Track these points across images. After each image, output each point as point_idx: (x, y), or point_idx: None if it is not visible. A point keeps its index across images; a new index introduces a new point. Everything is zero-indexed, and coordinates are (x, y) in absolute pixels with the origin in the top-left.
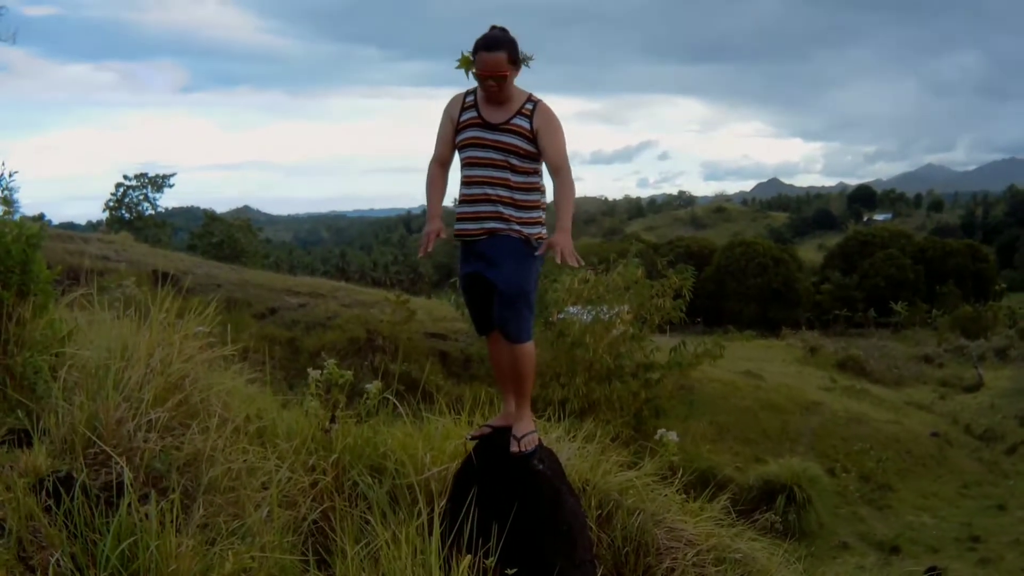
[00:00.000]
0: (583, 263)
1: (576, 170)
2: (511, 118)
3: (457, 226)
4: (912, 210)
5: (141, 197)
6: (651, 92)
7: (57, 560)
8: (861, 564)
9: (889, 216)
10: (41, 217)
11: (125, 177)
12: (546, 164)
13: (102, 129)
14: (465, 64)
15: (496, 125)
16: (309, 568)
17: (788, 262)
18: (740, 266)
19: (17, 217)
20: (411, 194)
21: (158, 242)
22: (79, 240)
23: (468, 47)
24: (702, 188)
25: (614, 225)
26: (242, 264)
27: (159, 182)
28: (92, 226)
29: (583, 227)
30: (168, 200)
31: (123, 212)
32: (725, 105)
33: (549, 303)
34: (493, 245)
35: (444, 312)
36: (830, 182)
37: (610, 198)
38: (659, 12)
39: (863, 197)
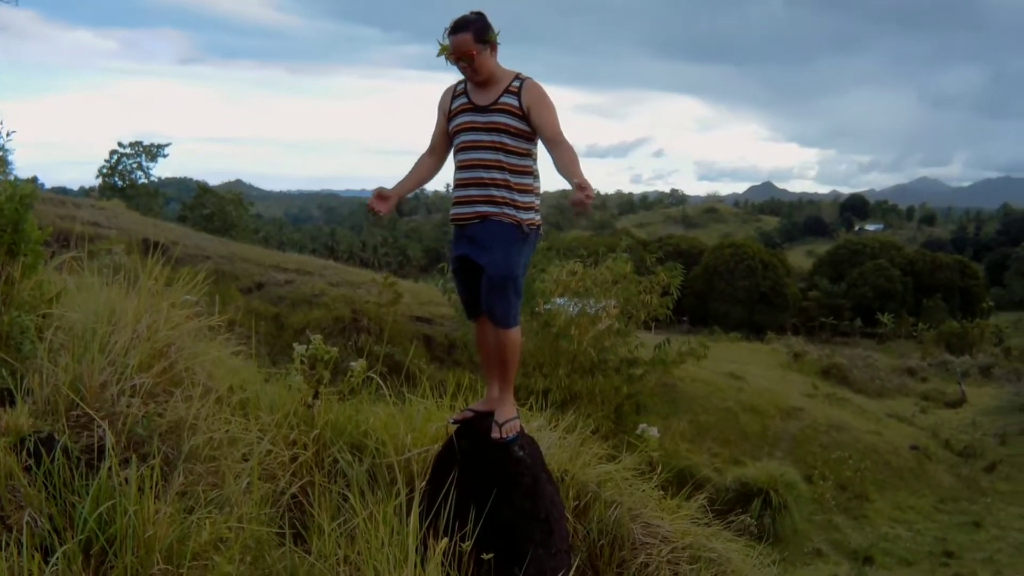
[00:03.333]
0: (592, 195)
1: None
2: (499, 97)
3: (451, 211)
4: (904, 222)
5: (135, 165)
6: (650, 88)
7: (34, 520)
8: (834, 572)
9: (880, 227)
10: (34, 180)
11: (120, 145)
12: (543, 139)
13: (101, 96)
14: (444, 52)
15: (486, 107)
16: (285, 542)
17: (777, 266)
18: (729, 267)
19: (10, 178)
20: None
21: (149, 211)
22: (71, 205)
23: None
24: (695, 188)
25: (605, 220)
26: (232, 238)
27: (153, 151)
28: (85, 192)
29: (573, 219)
30: (162, 170)
31: (116, 180)
32: (723, 106)
33: (536, 293)
34: (484, 229)
35: (431, 296)
36: (823, 189)
37: (602, 192)
38: (663, 8)
39: (855, 206)
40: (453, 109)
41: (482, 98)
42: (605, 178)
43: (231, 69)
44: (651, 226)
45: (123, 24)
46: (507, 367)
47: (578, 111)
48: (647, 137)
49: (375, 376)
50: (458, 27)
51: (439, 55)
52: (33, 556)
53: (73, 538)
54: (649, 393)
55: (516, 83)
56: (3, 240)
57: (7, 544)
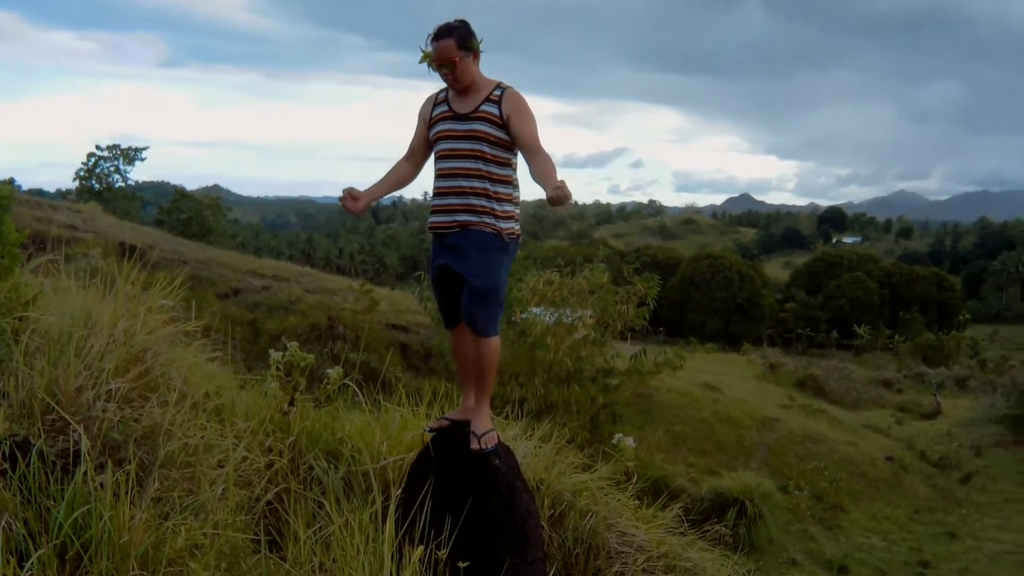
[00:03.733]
0: (571, 199)
1: None
2: (479, 105)
3: (430, 219)
4: (882, 235)
5: (112, 168)
6: (629, 99)
7: (9, 525)
8: None
9: (858, 239)
10: (11, 182)
11: (97, 147)
12: (521, 149)
13: (80, 98)
14: (427, 59)
15: (466, 115)
16: (260, 549)
17: (754, 278)
18: (706, 279)
19: None
20: None
21: (126, 215)
22: (48, 207)
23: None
24: (673, 199)
25: (582, 229)
26: (208, 243)
27: (131, 154)
28: (61, 194)
29: (551, 229)
30: (139, 173)
31: (93, 183)
32: (702, 117)
33: (513, 302)
34: (465, 238)
35: (407, 304)
36: (801, 201)
37: (580, 202)
38: (641, 20)
39: (833, 219)
40: (433, 117)
41: (462, 106)
42: (583, 188)
43: (210, 73)
44: (628, 237)
45: (104, 27)
46: (485, 377)
47: (556, 121)
48: (625, 148)
49: (351, 383)
50: (441, 33)
51: (421, 61)
52: (8, 561)
53: (48, 543)
54: (625, 403)
55: (497, 92)
56: None
57: None
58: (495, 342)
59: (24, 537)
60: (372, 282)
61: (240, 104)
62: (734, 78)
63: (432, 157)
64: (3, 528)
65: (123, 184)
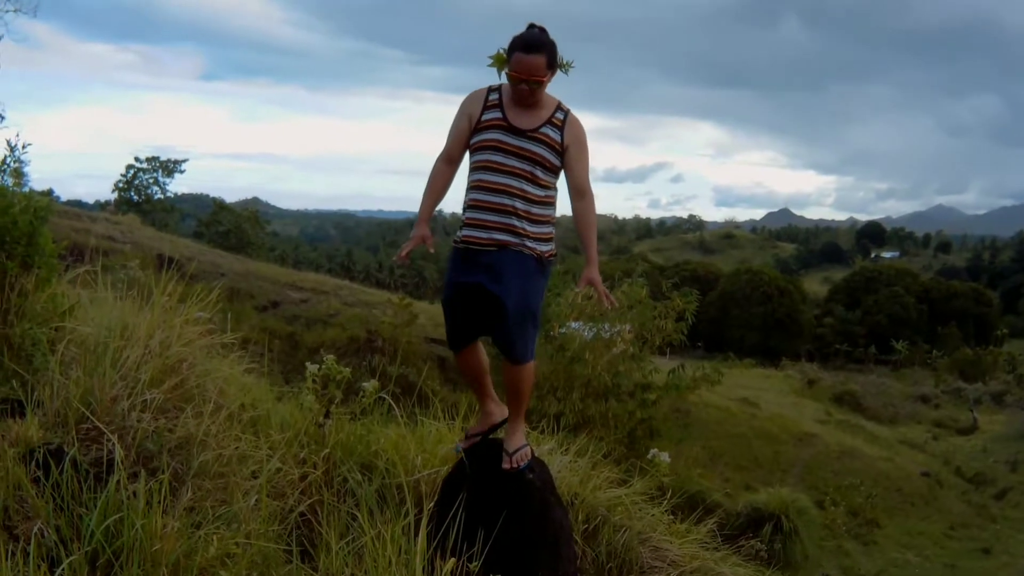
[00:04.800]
0: (616, 304)
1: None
2: (541, 126)
3: (463, 232)
4: (920, 250)
5: (151, 180)
6: (669, 114)
7: (41, 531)
8: None
9: (897, 254)
10: (50, 192)
11: (136, 159)
12: (569, 183)
13: (118, 110)
14: (499, 62)
15: (523, 131)
16: (292, 559)
17: (793, 293)
18: (745, 294)
19: (26, 190)
20: (421, 198)
21: (165, 227)
22: (86, 218)
23: (493, 52)
24: (712, 213)
25: (622, 244)
26: (247, 255)
27: (170, 167)
28: (100, 205)
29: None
30: (178, 185)
31: (132, 194)
32: (741, 132)
33: (551, 317)
34: (503, 259)
35: None
36: (840, 216)
37: (620, 216)
38: (683, 34)
39: (872, 233)
40: (482, 121)
41: (520, 121)
42: (623, 203)
43: (250, 87)
44: (668, 251)
45: (143, 39)
46: (521, 399)
47: (599, 135)
48: (665, 162)
49: (387, 397)
50: (532, 46)
51: (492, 65)
52: (39, 566)
53: (80, 550)
54: (662, 418)
55: (559, 115)
56: (17, 252)
57: (14, 554)
58: (531, 367)
59: (56, 543)
60: (411, 296)
61: (280, 117)
62: (773, 93)
63: (470, 161)
64: (35, 534)
65: (162, 196)
